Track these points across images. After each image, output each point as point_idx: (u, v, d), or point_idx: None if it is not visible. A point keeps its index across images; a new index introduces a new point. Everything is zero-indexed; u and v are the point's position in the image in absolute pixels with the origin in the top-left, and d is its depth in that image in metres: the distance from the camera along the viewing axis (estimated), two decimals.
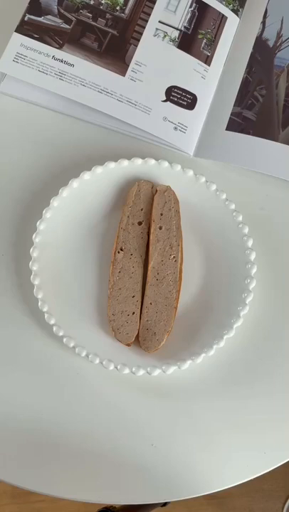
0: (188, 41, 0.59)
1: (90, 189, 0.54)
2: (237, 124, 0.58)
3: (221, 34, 0.61)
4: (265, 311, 0.54)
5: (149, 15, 0.59)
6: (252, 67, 0.60)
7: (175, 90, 0.58)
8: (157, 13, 0.60)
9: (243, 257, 0.52)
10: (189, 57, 0.59)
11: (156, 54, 0.59)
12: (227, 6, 0.61)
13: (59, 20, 0.58)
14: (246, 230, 0.53)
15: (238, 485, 0.50)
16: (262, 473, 0.50)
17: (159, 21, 0.59)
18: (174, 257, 0.52)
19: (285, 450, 0.51)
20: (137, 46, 0.59)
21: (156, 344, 0.50)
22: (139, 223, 0.54)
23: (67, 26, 0.58)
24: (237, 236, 0.53)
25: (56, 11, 0.59)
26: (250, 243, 0.52)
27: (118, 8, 0.60)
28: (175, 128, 0.57)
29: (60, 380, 0.52)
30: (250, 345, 0.53)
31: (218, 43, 0.60)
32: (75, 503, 1.09)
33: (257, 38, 0.61)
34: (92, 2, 0.59)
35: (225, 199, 0.53)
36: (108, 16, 0.59)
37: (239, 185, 0.57)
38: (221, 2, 0.61)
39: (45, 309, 0.50)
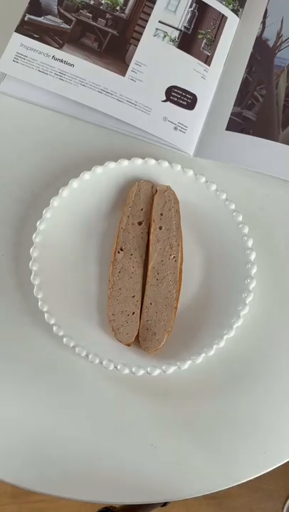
0: (188, 41, 0.59)
1: (90, 189, 0.54)
2: (237, 124, 0.58)
3: (221, 34, 0.61)
4: (265, 311, 0.54)
5: (149, 15, 0.60)
6: (252, 67, 0.60)
7: (175, 90, 0.58)
8: (157, 13, 0.60)
9: (243, 257, 0.52)
10: (189, 57, 0.59)
11: (156, 54, 0.59)
12: (227, 6, 0.61)
13: (59, 20, 0.58)
14: (246, 230, 0.53)
15: (238, 485, 0.50)
16: (262, 473, 0.50)
17: (159, 21, 0.59)
18: (174, 257, 0.52)
19: (285, 450, 0.51)
20: (137, 46, 0.59)
21: (156, 344, 0.50)
22: (139, 223, 0.54)
23: (67, 26, 0.58)
24: (237, 236, 0.53)
25: (56, 11, 0.59)
26: (250, 243, 0.52)
27: (118, 8, 0.60)
28: (175, 128, 0.57)
29: (60, 380, 0.52)
30: (250, 345, 0.53)
31: (218, 43, 0.60)
32: (74, 503, 1.09)
33: (257, 38, 0.61)
34: (92, 2, 0.59)
35: (225, 199, 0.53)
36: (108, 16, 0.59)
37: (239, 185, 0.57)
38: (221, 2, 0.61)
39: (45, 309, 0.50)
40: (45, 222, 0.52)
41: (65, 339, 0.50)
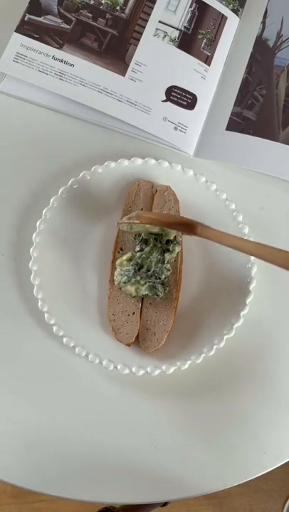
0: (188, 41, 0.59)
1: (90, 189, 0.54)
2: (237, 124, 0.58)
3: (221, 34, 0.61)
4: (265, 311, 0.54)
5: (149, 15, 0.59)
6: (252, 67, 0.60)
7: (175, 90, 0.58)
8: (157, 13, 0.60)
9: (243, 257, 0.52)
10: (189, 57, 0.59)
11: (156, 54, 0.59)
12: (227, 6, 0.61)
13: (59, 20, 0.58)
14: (246, 230, 0.53)
15: (238, 485, 0.50)
16: (262, 473, 0.50)
17: (159, 21, 0.59)
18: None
19: (285, 450, 0.51)
20: (137, 46, 0.59)
21: (156, 344, 0.50)
22: None
23: (67, 26, 0.58)
24: None
25: (56, 11, 0.59)
26: None
27: (118, 8, 0.60)
28: (175, 128, 0.57)
29: (60, 380, 0.52)
30: (250, 346, 0.53)
31: (218, 43, 0.60)
32: (74, 503, 1.09)
33: (257, 38, 0.61)
34: (92, 2, 0.59)
35: (225, 199, 0.53)
36: (108, 15, 0.59)
37: (239, 185, 0.57)
38: (221, 2, 0.61)
39: (45, 309, 0.50)
40: (45, 222, 0.52)
41: (65, 339, 0.50)
